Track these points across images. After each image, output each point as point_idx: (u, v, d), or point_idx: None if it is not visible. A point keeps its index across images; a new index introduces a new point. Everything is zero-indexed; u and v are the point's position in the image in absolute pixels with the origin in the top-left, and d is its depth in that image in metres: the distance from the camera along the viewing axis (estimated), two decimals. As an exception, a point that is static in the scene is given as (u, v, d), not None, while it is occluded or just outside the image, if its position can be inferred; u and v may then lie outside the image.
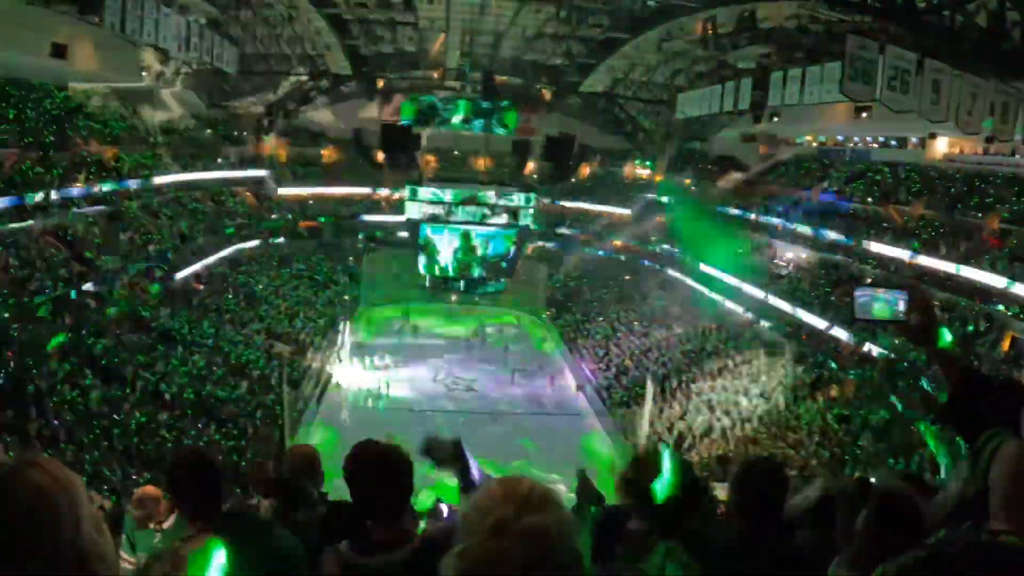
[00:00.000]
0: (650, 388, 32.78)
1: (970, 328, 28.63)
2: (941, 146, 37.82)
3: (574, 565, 1.62)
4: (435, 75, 50.42)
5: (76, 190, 34.82)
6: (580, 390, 40.50)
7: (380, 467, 2.85)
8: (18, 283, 28.26)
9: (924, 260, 33.41)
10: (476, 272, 52.64)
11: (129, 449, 25.34)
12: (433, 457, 3.31)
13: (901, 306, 2.65)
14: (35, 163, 33.23)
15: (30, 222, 31.54)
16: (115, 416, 26.50)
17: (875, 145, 42.87)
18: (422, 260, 51.79)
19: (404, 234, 52.33)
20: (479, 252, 51.64)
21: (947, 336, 2.51)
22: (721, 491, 5.13)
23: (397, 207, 52.48)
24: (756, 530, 3.05)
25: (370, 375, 39.69)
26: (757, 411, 33.15)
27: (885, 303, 2.68)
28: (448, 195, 50.08)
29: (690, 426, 33.13)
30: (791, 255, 41.84)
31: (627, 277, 52.25)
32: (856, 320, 2.76)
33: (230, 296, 42.52)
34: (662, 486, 3.01)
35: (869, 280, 34.00)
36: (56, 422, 24.46)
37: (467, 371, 41.71)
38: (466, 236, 50.98)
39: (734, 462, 24.93)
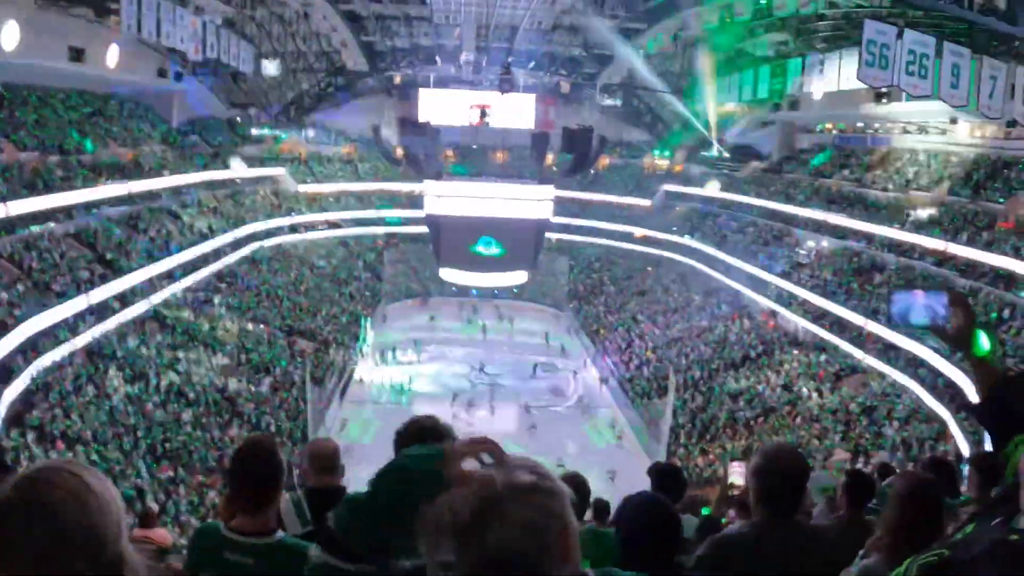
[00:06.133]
0: (673, 380, 32.68)
1: (993, 316, 28.20)
2: (963, 130, 37.33)
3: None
4: (452, 70, 50.20)
5: (97, 192, 34.92)
6: (604, 383, 40.44)
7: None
8: (41, 285, 28.42)
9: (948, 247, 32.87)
10: (495, 266, 52.30)
11: (154, 447, 25.55)
12: None
13: (940, 311, 2.54)
14: (56, 166, 33.46)
15: (52, 224, 31.70)
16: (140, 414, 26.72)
17: (896, 131, 42.38)
18: (442, 252, 51.49)
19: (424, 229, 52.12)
20: (498, 245, 51.35)
21: (985, 344, 2.41)
22: (736, 475, 5.05)
23: (416, 202, 52.33)
24: (777, 519, 3.00)
25: (393, 370, 39.74)
26: (781, 401, 32.98)
27: (923, 308, 2.58)
28: (467, 189, 49.76)
29: (712, 417, 33.02)
30: (812, 243, 41.40)
31: (649, 268, 51.96)
32: (893, 323, 2.67)
33: (252, 293, 42.56)
34: None
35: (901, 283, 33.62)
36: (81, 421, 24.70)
37: (490, 366, 41.72)
38: (485, 229, 50.63)
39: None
